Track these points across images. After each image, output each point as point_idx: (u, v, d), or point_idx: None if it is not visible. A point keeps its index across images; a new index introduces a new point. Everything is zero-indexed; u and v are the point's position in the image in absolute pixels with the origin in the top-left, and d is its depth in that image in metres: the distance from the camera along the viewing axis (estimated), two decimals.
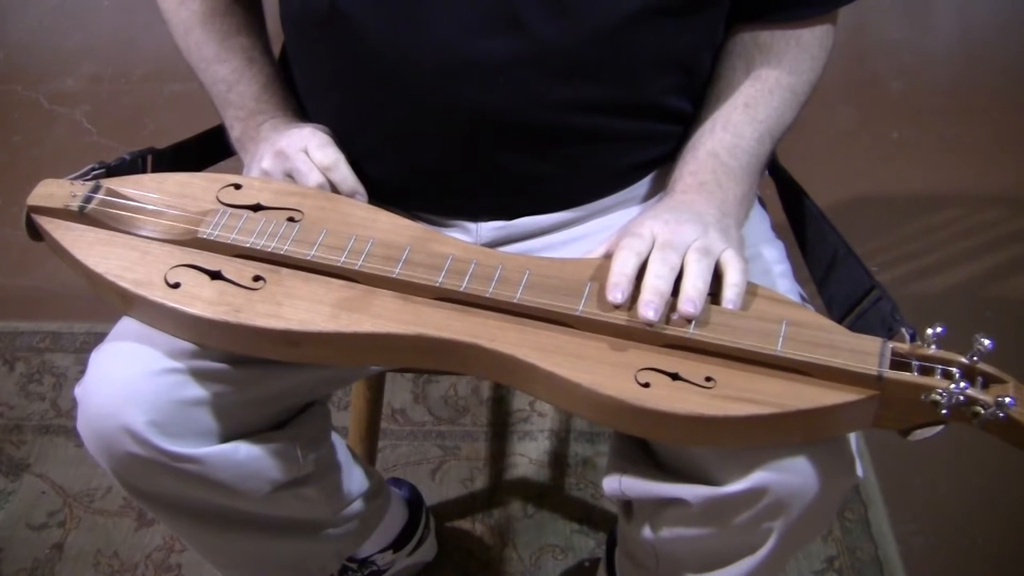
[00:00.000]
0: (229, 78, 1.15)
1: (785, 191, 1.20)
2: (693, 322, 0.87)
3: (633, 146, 1.09)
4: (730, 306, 0.89)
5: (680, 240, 0.92)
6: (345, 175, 1.07)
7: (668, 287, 0.89)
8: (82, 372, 1.01)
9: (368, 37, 1.01)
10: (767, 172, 1.22)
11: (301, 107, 1.17)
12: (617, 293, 0.89)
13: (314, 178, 1.05)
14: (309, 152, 1.06)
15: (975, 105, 2.61)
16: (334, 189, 1.07)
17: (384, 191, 1.10)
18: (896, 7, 2.91)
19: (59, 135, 2.62)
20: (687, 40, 1.04)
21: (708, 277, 0.90)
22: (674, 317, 0.88)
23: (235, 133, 1.16)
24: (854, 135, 2.49)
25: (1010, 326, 1.91)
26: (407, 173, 1.10)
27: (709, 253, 0.91)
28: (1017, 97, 2.62)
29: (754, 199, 1.06)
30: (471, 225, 1.11)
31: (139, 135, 2.56)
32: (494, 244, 1.11)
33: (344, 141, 1.09)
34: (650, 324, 0.87)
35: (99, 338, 1.04)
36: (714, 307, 0.90)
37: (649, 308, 0.87)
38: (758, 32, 1.07)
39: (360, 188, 1.08)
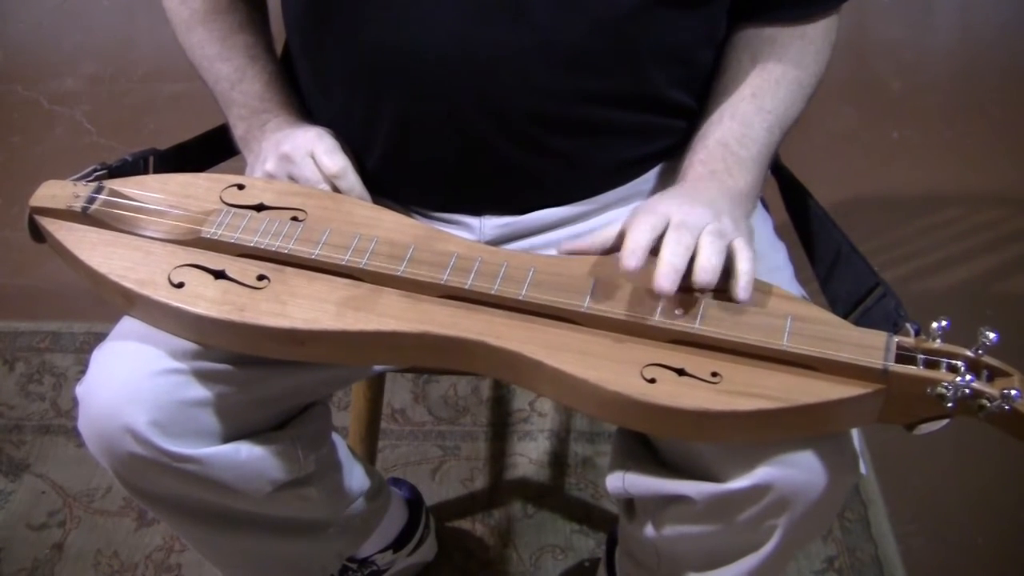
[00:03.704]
0: (232, 76, 1.15)
1: (787, 190, 1.20)
2: (699, 317, 0.88)
3: (635, 139, 1.09)
4: (742, 295, 0.88)
5: (694, 222, 0.91)
6: (352, 183, 1.07)
7: (683, 264, 0.88)
8: (82, 372, 1.02)
9: (370, 30, 1.01)
10: (769, 171, 1.23)
11: (304, 104, 1.16)
12: (632, 260, 0.87)
13: (321, 188, 1.06)
14: (316, 158, 1.06)
15: (975, 105, 2.61)
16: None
17: (387, 186, 1.10)
18: (896, 7, 2.91)
19: (59, 135, 2.62)
20: (688, 33, 1.04)
21: (723, 255, 0.89)
22: (698, 294, 0.88)
23: (239, 132, 1.16)
24: (854, 135, 2.49)
25: (1012, 326, 1.90)
26: (410, 167, 1.10)
27: (723, 236, 0.91)
28: (1017, 97, 2.62)
29: (761, 190, 1.06)
30: (474, 222, 1.11)
31: (139, 135, 2.56)
32: (498, 241, 1.11)
33: (347, 136, 1.10)
34: (663, 294, 0.86)
35: (99, 338, 1.04)
36: (719, 302, 0.90)
37: (666, 279, 0.86)
38: (763, 27, 1.07)
39: (366, 195, 1.08)
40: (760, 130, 1.04)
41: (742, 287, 0.89)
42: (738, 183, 1.00)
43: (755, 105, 1.04)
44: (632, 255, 0.88)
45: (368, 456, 1.59)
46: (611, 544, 1.44)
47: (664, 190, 1.02)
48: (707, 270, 0.87)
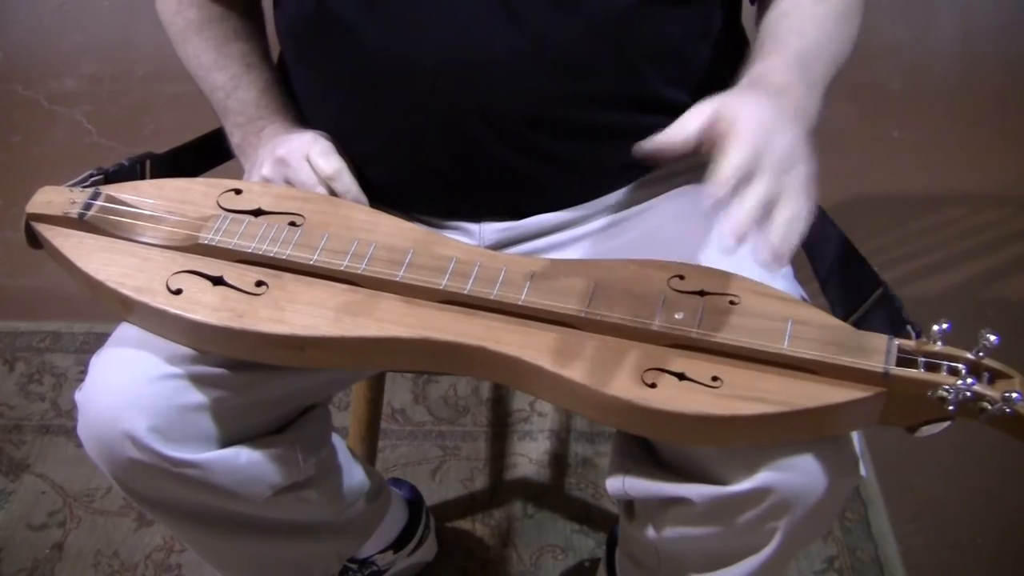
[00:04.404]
0: (227, 85, 1.14)
1: None
2: (699, 321, 0.87)
3: (634, 142, 1.08)
4: (774, 245, 0.80)
5: (785, 163, 0.82)
6: (348, 185, 1.06)
7: (759, 218, 0.79)
8: (82, 372, 1.02)
9: (362, 39, 1.01)
10: None
11: (301, 111, 1.16)
12: (730, 228, 0.78)
13: (317, 190, 1.05)
14: (311, 160, 1.06)
15: (975, 105, 2.61)
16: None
17: (385, 193, 1.10)
18: (896, 7, 2.90)
19: (59, 135, 2.61)
20: (682, 29, 1.04)
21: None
22: (677, 317, 0.88)
23: (235, 140, 1.16)
24: (854, 135, 2.48)
25: (1012, 326, 1.91)
26: (408, 175, 1.10)
27: (803, 185, 0.83)
28: (1017, 97, 2.62)
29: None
30: (474, 227, 1.11)
31: (139, 135, 2.56)
32: (498, 246, 1.11)
33: (344, 145, 1.09)
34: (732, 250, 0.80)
35: (99, 338, 1.05)
36: (720, 305, 0.90)
37: (736, 233, 0.78)
38: None
39: (363, 197, 1.07)
40: (829, 55, 1.00)
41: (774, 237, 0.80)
42: (809, 109, 0.94)
43: (825, 34, 1.00)
44: (732, 225, 0.78)
45: (368, 456, 1.59)
46: (611, 544, 1.44)
47: (755, 86, 0.94)
48: (778, 252, 0.79)
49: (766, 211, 0.79)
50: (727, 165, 0.80)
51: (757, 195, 0.79)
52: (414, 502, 1.57)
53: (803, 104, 0.93)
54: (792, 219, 0.80)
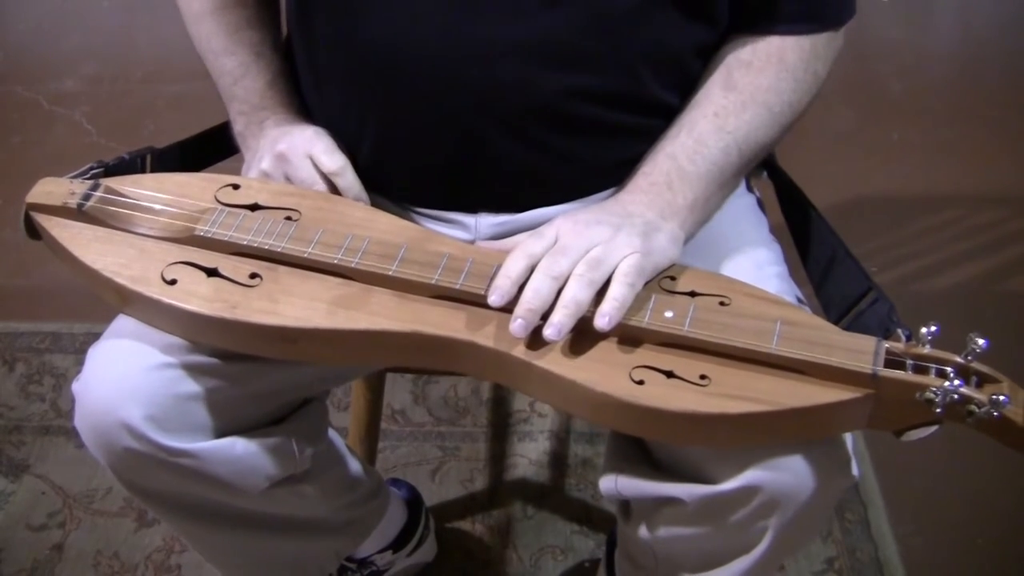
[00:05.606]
0: (235, 72, 1.15)
1: (784, 193, 1.19)
2: (688, 319, 0.87)
3: (631, 140, 1.08)
4: (603, 321, 0.87)
5: (577, 245, 0.91)
6: (351, 182, 1.07)
7: (543, 303, 0.88)
8: None
9: (361, 27, 1.01)
10: (765, 174, 1.22)
11: (306, 104, 1.16)
12: (494, 296, 0.89)
13: (316, 188, 1.06)
14: (315, 157, 1.06)
15: (975, 105, 2.61)
16: (337, 194, 1.07)
17: (380, 183, 1.10)
18: (896, 7, 2.90)
19: (59, 136, 2.62)
20: (683, 36, 1.03)
21: (594, 287, 0.89)
22: (667, 315, 0.88)
23: (238, 127, 1.16)
24: (854, 136, 2.49)
25: (1011, 326, 1.91)
26: (406, 164, 1.09)
27: (599, 265, 0.90)
28: (1017, 97, 2.62)
29: (713, 209, 1.04)
30: (470, 220, 1.10)
31: (139, 136, 2.55)
32: (493, 240, 1.10)
33: (343, 133, 1.09)
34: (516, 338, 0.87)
35: (98, 339, 1.04)
36: (711, 306, 0.90)
37: (516, 324, 0.87)
38: (740, 49, 1.05)
39: (364, 195, 1.08)
40: (715, 149, 1.01)
41: (600, 313, 0.88)
42: (676, 197, 0.99)
43: (715, 124, 1.01)
44: (496, 290, 0.89)
45: (368, 457, 1.59)
46: (611, 545, 1.44)
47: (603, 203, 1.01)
48: (567, 305, 0.87)
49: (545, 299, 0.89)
50: (500, 274, 0.91)
51: (530, 289, 0.89)
52: (413, 502, 1.57)
53: (663, 198, 0.99)
54: (569, 302, 0.88)
